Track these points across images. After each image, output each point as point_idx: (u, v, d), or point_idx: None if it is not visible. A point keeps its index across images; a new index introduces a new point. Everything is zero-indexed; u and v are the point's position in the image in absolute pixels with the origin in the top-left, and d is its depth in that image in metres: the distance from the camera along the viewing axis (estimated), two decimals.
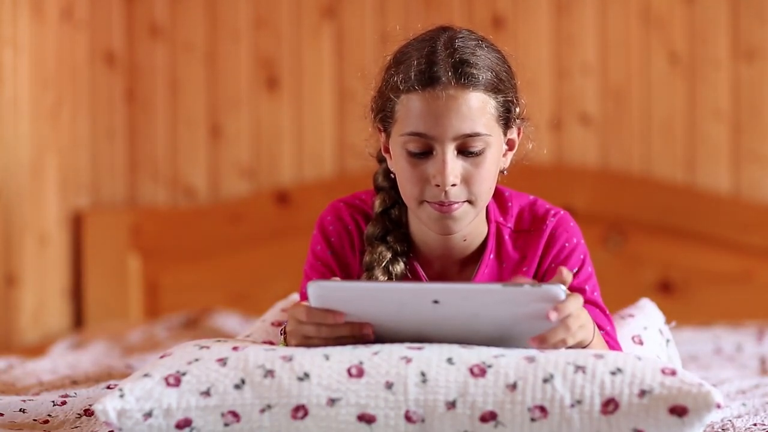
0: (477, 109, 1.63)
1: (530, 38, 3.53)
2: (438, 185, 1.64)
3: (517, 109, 1.70)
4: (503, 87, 1.66)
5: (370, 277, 1.71)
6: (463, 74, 1.62)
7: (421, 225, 1.73)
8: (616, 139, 3.53)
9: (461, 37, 1.67)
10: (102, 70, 3.65)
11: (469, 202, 1.66)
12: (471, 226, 1.72)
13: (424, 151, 1.65)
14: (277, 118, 3.63)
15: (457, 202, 1.65)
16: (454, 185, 1.64)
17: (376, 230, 1.74)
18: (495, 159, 1.67)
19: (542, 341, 1.48)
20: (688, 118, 3.50)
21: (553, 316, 1.46)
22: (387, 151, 1.72)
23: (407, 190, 1.68)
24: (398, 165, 1.68)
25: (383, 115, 1.69)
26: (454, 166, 1.63)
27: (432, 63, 1.63)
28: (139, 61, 3.66)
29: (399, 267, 1.73)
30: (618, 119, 3.53)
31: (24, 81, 3.29)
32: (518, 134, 1.73)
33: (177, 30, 3.65)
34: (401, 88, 1.64)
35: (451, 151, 1.63)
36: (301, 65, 3.61)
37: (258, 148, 3.64)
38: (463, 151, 1.64)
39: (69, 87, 3.55)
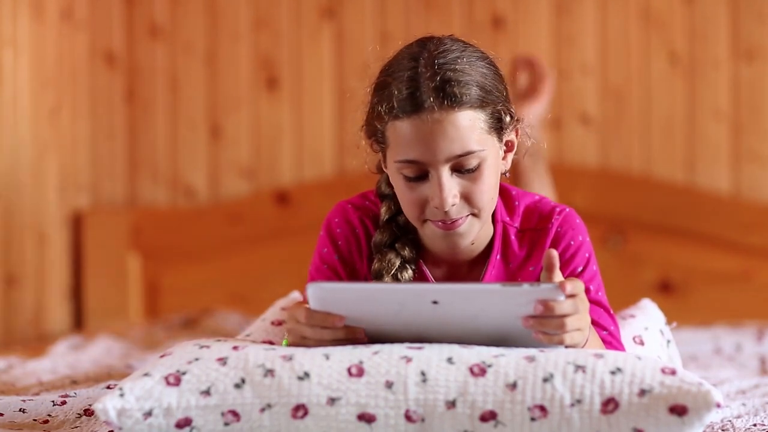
0: (466, 127, 1.61)
1: (530, 38, 3.53)
2: (437, 207, 1.63)
3: (508, 118, 1.67)
4: (491, 98, 1.63)
5: None
6: (446, 96, 1.59)
7: None
8: (616, 139, 3.52)
9: (443, 52, 1.63)
10: (102, 70, 3.65)
11: (473, 215, 1.66)
12: None
13: (420, 175, 1.63)
14: (277, 118, 3.63)
15: (461, 218, 1.65)
16: (453, 205, 1.63)
17: (384, 238, 1.73)
18: (493, 169, 1.66)
19: (537, 324, 1.47)
20: (688, 118, 3.50)
21: (538, 308, 1.46)
22: (386, 166, 1.71)
23: (408, 212, 1.67)
24: (396, 187, 1.68)
25: (375, 138, 1.68)
26: (451, 186, 1.62)
27: (414, 88, 1.60)
28: (139, 61, 3.66)
29: (408, 273, 1.72)
30: (618, 119, 3.52)
31: (24, 81, 3.29)
32: (516, 134, 1.72)
33: (177, 30, 3.65)
34: (386, 118, 1.62)
35: (445, 172, 1.62)
36: (301, 65, 3.61)
37: (258, 148, 3.64)
38: (459, 170, 1.63)
39: (69, 87, 3.55)
